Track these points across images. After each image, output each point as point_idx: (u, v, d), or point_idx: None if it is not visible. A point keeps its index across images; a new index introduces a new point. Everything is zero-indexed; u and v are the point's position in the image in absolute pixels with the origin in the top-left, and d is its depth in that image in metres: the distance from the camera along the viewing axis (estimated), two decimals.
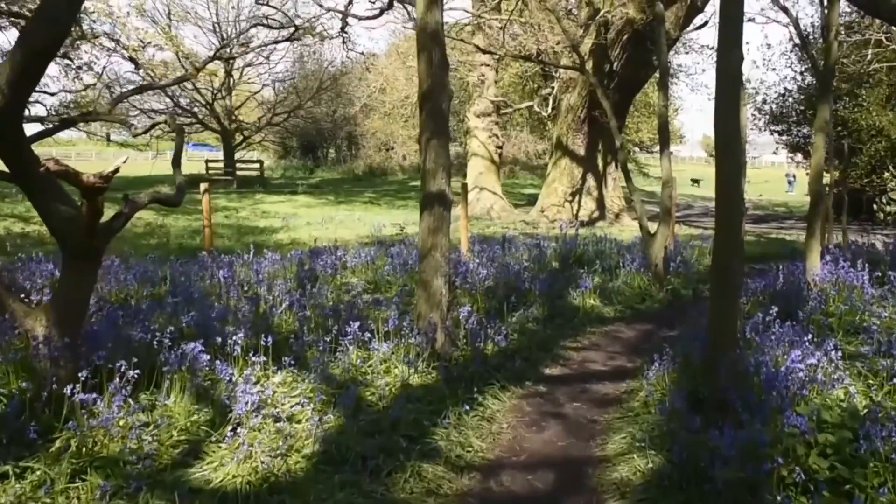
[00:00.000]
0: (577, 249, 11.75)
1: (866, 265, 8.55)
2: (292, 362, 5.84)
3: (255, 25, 17.43)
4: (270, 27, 15.71)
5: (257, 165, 35.07)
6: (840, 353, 5.22)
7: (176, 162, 6.85)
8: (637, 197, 10.70)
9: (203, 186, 10.99)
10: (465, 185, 11.72)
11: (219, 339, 5.87)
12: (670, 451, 4.40)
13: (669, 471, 4.24)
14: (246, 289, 8.70)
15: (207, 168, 33.42)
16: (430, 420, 5.17)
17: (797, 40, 12.93)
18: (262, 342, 5.78)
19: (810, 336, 5.75)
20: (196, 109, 35.57)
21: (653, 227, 10.32)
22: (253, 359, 5.70)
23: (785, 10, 9.70)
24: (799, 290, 7.86)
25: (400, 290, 9.02)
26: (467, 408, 5.44)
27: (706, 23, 18.16)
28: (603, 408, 5.83)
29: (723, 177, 4.81)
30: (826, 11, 8.35)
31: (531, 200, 23.52)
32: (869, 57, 14.99)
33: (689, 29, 18.90)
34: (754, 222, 22.59)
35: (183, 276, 8.91)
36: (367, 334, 6.26)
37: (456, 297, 8.63)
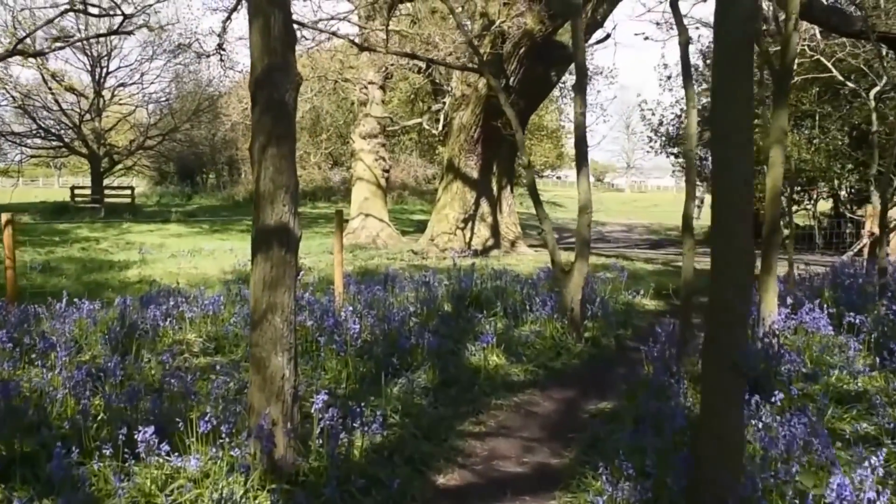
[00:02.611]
0: (473, 287, 9.77)
1: (825, 306, 7.07)
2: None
3: (68, 11, 14.54)
4: (90, 14, 13.18)
5: (128, 192, 31.72)
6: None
7: None
8: (548, 225, 8.84)
9: (5, 217, 8.52)
10: (339, 213, 9.57)
11: None
12: None
13: None
14: (34, 357, 6.36)
15: (73, 195, 30.00)
16: None
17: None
18: None
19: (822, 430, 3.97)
20: (62, 132, 32.09)
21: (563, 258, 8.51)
22: None
23: None
24: (761, 344, 6.11)
25: (248, 350, 6.83)
26: None
27: (608, 35, 16.79)
28: None
29: (724, 197, 2.93)
30: None
31: (420, 227, 21.63)
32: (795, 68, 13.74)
33: (589, 42, 17.47)
34: (651, 247, 21.94)
35: None
36: (168, 444, 4.10)
37: (320, 362, 6.55)
